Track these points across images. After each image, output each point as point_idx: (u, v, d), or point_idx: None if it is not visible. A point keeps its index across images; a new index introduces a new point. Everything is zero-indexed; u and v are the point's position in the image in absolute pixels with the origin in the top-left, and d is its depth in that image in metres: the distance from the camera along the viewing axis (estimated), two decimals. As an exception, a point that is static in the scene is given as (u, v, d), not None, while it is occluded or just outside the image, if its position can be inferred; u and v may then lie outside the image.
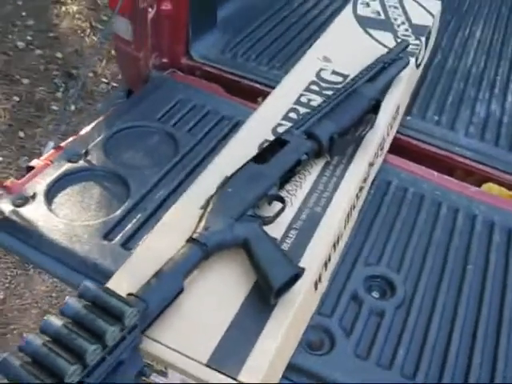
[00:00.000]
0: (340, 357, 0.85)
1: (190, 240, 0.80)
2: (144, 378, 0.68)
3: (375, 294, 0.96)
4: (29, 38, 2.70)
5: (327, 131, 1.01)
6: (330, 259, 0.92)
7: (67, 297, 0.67)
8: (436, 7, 1.59)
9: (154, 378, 0.76)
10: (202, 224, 0.82)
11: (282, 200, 0.90)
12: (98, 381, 0.63)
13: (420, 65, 1.44)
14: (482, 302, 0.97)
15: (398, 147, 1.28)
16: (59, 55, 2.62)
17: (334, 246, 0.93)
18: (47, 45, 2.68)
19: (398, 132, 1.31)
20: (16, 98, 2.40)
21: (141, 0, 1.31)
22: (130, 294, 0.72)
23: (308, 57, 1.31)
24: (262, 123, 1.09)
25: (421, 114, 1.38)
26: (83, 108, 2.40)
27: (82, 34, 2.76)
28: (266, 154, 0.96)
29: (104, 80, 2.56)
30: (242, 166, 0.93)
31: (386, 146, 1.21)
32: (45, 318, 0.64)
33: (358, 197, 1.03)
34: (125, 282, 0.77)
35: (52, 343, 0.62)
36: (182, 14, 1.41)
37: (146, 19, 1.35)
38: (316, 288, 0.88)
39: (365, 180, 1.06)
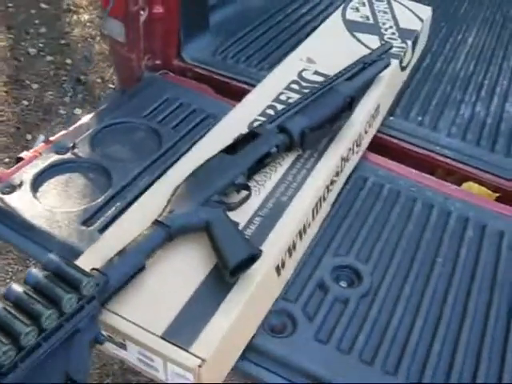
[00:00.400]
0: (300, 340, 0.88)
1: (155, 222, 0.84)
2: (98, 346, 0.72)
3: (343, 284, 0.99)
4: (40, 45, 2.79)
5: (299, 125, 1.05)
6: (295, 247, 0.95)
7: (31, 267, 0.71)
8: (426, 12, 1.62)
9: (116, 351, 0.80)
10: (168, 208, 0.87)
11: (247, 188, 0.93)
12: (54, 346, 0.67)
13: (406, 68, 1.48)
14: (447, 294, 0.99)
15: (379, 146, 1.32)
16: (69, 61, 2.71)
17: (300, 234, 0.97)
18: (58, 51, 2.76)
19: (379, 131, 1.34)
20: (25, 102, 2.48)
21: (133, 3, 1.36)
22: (93, 269, 0.76)
23: (292, 57, 1.36)
24: (240, 118, 1.14)
25: (404, 114, 1.41)
26: (90, 112, 2.46)
27: (92, 42, 2.85)
28: (237, 145, 1.00)
29: (111, 86, 2.63)
30: (213, 156, 0.97)
31: (364, 144, 1.24)
32: (8, 285, 0.69)
33: (328, 189, 1.06)
34: (92, 259, 0.81)
35: (12, 308, 0.67)
36: (173, 17, 1.46)
37: (138, 22, 1.40)
38: (279, 273, 0.91)
39: (337, 174, 1.10)
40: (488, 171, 1.29)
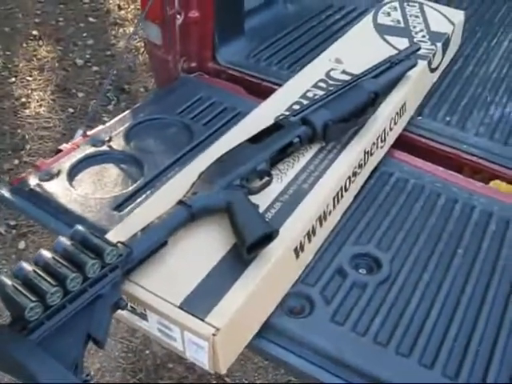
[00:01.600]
0: (317, 321, 0.91)
1: (179, 202, 0.89)
2: (119, 311, 0.76)
3: (362, 271, 1.01)
4: (87, 56, 2.92)
5: (322, 118, 1.08)
6: (314, 233, 0.98)
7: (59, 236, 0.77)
8: (458, 17, 1.64)
9: (138, 322, 0.85)
10: (192, 190, 0.91)
11: (268, 174, 0.97)
12: (78, 308, 0.73)
13: (435, 69, 1.49)
14: (466, 284, 1.00)
15: (407, 144, 1.33)
16: (114, 71, 2.82)
17: (320, 221, 1.00)
18: (103, 62, 2.89)
19: (407, 130, 1.36)
20: (71, 110, 2.60)
21: (169, 7, 1.43)
22: (118, 242, 0.81)
23: (321, 58, 1.40)
24: (266, 113, 1.18)
25: (432, 114, 1.42)
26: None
27: (136, 53, 2.96)
28: (261, 136, 1.04)
29: (153, 95, 2.72)
30: (237, 145, 1.01)
31: (389, 140, 1.26)
32: (38, 251, 0.75)
33: (350, 180, 1.09)
34: (119, 236, 0.85)
35: (41, 270, 0.72)
36: (208, 21, 1.52)
37: (175, 25, 1.47)
38: (298, 256, 0.94)
39: (360, 166, 1.12)
40: (517, 169, 1.29)
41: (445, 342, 0.90)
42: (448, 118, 1.42)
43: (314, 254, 1.00)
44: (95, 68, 2.86)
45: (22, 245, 2.05)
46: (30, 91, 2.71)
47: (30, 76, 2.80)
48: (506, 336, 0.91)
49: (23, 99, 2.66)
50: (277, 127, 1.06)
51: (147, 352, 1.79)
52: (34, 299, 0.68)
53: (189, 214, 0.87)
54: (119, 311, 0.79)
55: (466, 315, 0.94)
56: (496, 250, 1.07)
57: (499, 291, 0.99)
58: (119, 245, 0.80)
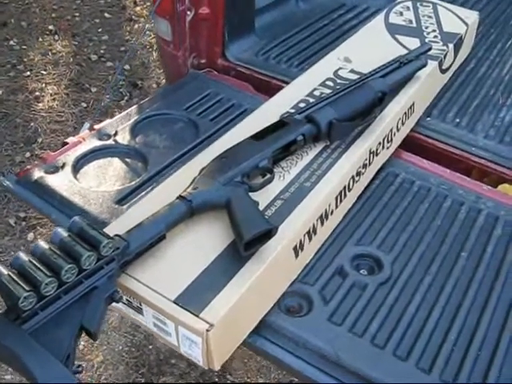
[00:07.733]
0: (314, 320, 0.90)
1: (178, 197, 0.89)
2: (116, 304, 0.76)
3: (363, 272, 1.00)
4: (102, 51, 2.94)
5: (327, 116, 1.07)
6: (315, 232, 0.97)
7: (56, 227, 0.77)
8: (472, 17, 1.62)
9: (133, 315, 0.85)
10: (192, 185, 0.91)
11: (270, 171, 0.97)
12: (73, 300, 0.73)
13: (446, 70, 1.48)
14: (469, 287, 0.98)
15: (415, 145, 1.32)
16: (127, 67, 2.83)
17: (322, 220, 0.99)
18: (117, 57, 2.90)
19: (415, 131, 1.34)
20: (84, 104, 2.62)
21: (180, 3, 1.43)
22: (115, 235, 0.81)
23: (329, 57, 1.39)
24: (272, 110, 1.17)
25: (442, 115, 1.41)
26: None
27: (150, 49, 2.97)
28: (264, 133, 1.03)
29: (166, 91, 2.73)
30: (240, 142, 1.01)
31: (396, 140, 1.24)
32: (36, 242, 0.75)
33: (354, 180, 1.08)
34: (117, 229, 0.85)
35: (37, 261, 0.72)
36: (219, 18, 1.52)
37: (185, 21, 1.47)
38: (297, 255, 0.93)
39: (364, 166, 1.11)
40: (526, 174, 1.27)
41: (444, 346, 0.88)
42: (457, 120, 1.40)
43: (314, 253, 0.99)
44: (109, 63, 2.87)
45: (30, 236, 2.07)
46: (44, 85, 2.73)
47: (45, 70, 2.82)
48: (508, 342, 0.90)
49: (37, 93, 2.68)
50: (281, 124, 1.05)
51: (150, 347, 1.80)
52: (28, 289, 0.68)
53: (188, 209, 0.87)
54: (117, 305, 0.80)
55: (466, 319, 0.93)
56: (501, 255, 1.05)
57: (502, 296, 0.97)
58: (116, 238, 0.80)
